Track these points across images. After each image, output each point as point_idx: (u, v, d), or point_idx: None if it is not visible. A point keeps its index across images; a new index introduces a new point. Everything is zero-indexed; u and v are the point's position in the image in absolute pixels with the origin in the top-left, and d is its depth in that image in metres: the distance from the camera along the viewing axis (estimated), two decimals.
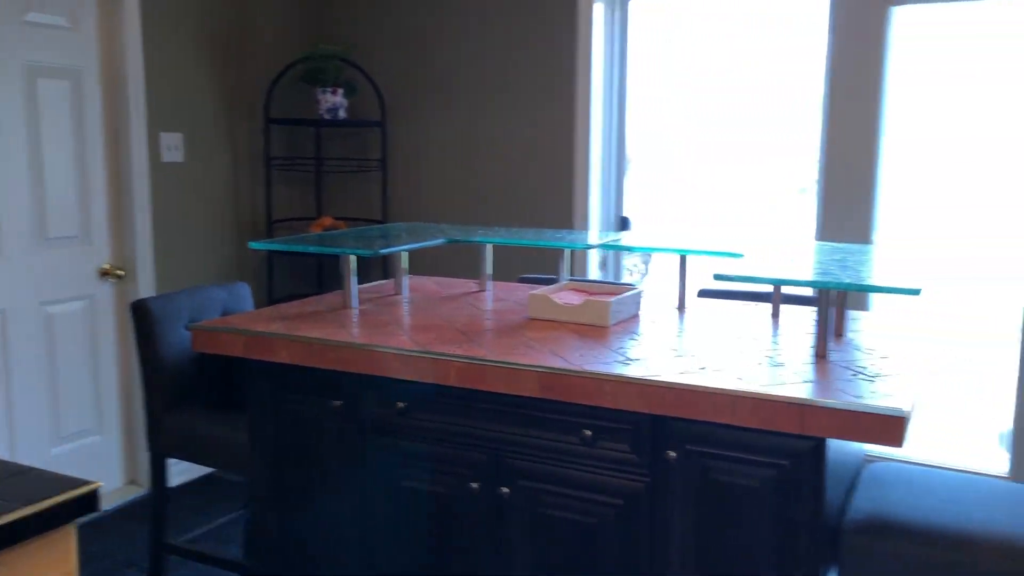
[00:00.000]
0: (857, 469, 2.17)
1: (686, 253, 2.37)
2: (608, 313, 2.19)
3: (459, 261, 4.07)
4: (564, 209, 3.87)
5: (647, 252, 3.62)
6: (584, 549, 1.89)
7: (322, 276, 4.32)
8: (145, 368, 2.55)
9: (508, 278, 3.56)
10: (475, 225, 4.05)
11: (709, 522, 1.76)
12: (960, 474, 2.08)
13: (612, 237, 2.66)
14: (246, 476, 2.81)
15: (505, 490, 1.94)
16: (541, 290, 2.34)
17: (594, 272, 3.97)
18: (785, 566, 1.71)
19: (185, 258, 3.77)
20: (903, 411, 1.55)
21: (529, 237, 2.59)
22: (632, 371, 1.79)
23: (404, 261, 2.71)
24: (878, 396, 1.62)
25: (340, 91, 3.93)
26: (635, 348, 1.98)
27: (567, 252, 2.66)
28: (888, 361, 1.88)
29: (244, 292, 2.84)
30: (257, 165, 4.08)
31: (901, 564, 1.76)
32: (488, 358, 1.89)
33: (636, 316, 2.34)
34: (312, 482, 2.19)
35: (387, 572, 2.13)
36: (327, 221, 4.04)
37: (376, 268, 4.25)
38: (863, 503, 1.91)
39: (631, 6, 3.84)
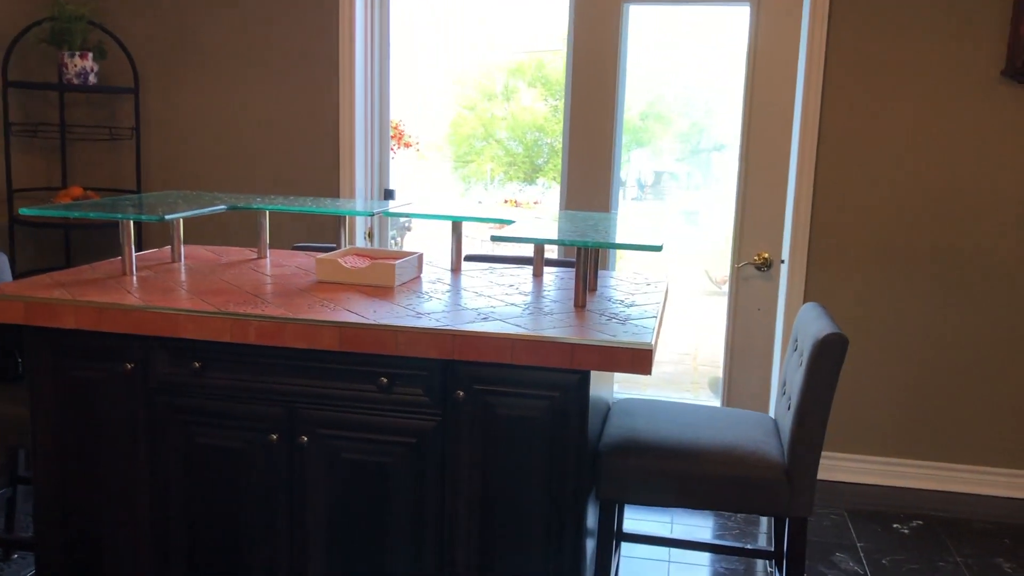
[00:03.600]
0: (608, 407, 2.53)
1: (463, 220, 2.61)
2: (394, 274, 2.38)
3: (225, 230, 4.04)
4: (330, 181, 3.97)
5: (416, 218, 3.82)
6: (380, 486, 2.07)
7: (70, 250, 4.10)
8: None
9: (279, 247, 3.62)
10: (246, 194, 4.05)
11: (492, 450, 2.02)
12: (688, 403, 2.51)
13: (390, 206, 2.84)
14: (13, 447, 2.70)
15: (304, 439, 2.08)
16: (328, 255, 2.47)
17: (361, 242, 4.11)
18: (557, 483, 2.01)
19: None
20: (650, 344, 1.88)
21: (309, 205, 2.70)
22: (423, 323, 1.99)
23: (180, 229, 2.71)
24: (629, 335, 1.95)
25: (90, 55, 3.75)
26: (422, 304, 2.19)
27: (346, 220, 2.80)
28: (633, 308, 2.24)
29: (2, 263, 2.70)
30: None
31: (648, 476, 2.12)
32: (287, 316, 2.01)
33: (418, 278, 2.55)
34: (103, 448, 2.19)
35: (182, 531, 2.19)
36: (76, 191, 3.85)
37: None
38: (614, 430, 2.26)
39: None
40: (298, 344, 2.01)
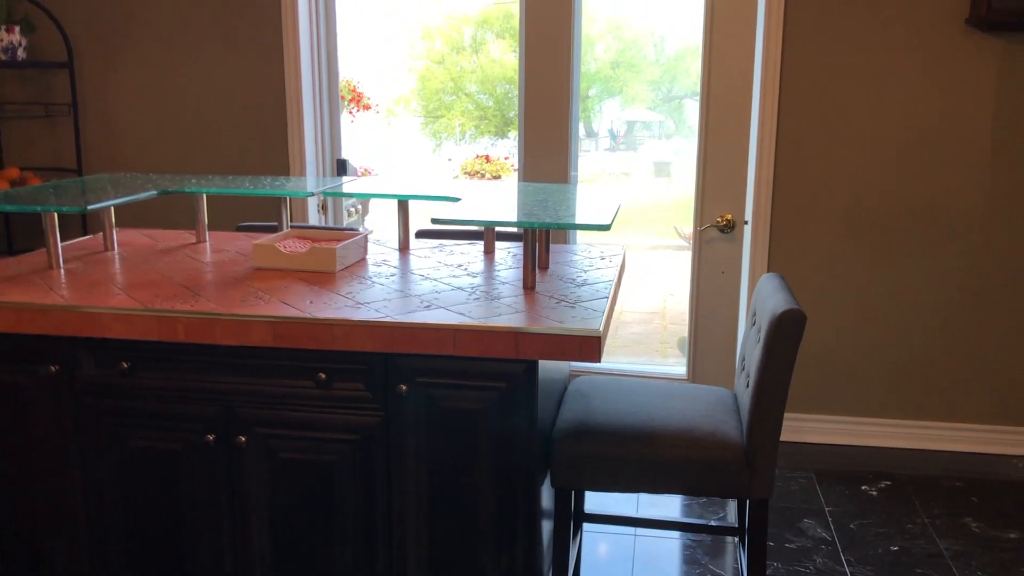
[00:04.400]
0: (564, 384, 2.45)
1: (406, 198, 2.49)
2: (335, 259, 2.26)
3: (171, 212, 3.89)
4: (280, 154, 3.83)
5: (359, 197, 3.70)
6: (323, 485, 1.99)
7: (11, 234, 3.94)
8: None
9: (226, 227, 3.48)
10: (186, 174, 3.89)
11: (439, 445, 1.93)
12: (646, 380, 2.43)
13: (332, 184, 2.72)
14: None
15: (242, 439, 1.98)
16: (265, 239, 2.35)
17: (314, 216, 3.98)
18: (507, 476, 1.93)
19: None
20: (598, 332, 1.79)
21: (246, 186, 2.57)
22: (362, 314, 1.89)
23: (112, 215, 2.58)
24: (578, 320, 1.86)
25: (16, 29, 3.56)
26: (363, 292, 2.08)
27: (288, 199, 2.68)
28: (585, 288, 2.14)
29: None
30: None
31: (602, 462, 2.05)
32: (217, 312, 1.90)
33: (363, 260, 2.43)
34: (32, 455, 2.08)
35: (121, 538, 2.10)
36: (13, 172, 3.68)
37: (75, 223, 3.95)
38: (568, 413, 2.18)
39: None
40: (229, 341, 1.90)
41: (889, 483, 3.32)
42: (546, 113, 3.67)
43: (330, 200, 4.05)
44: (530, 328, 1.81)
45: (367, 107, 6.90)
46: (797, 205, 3.47)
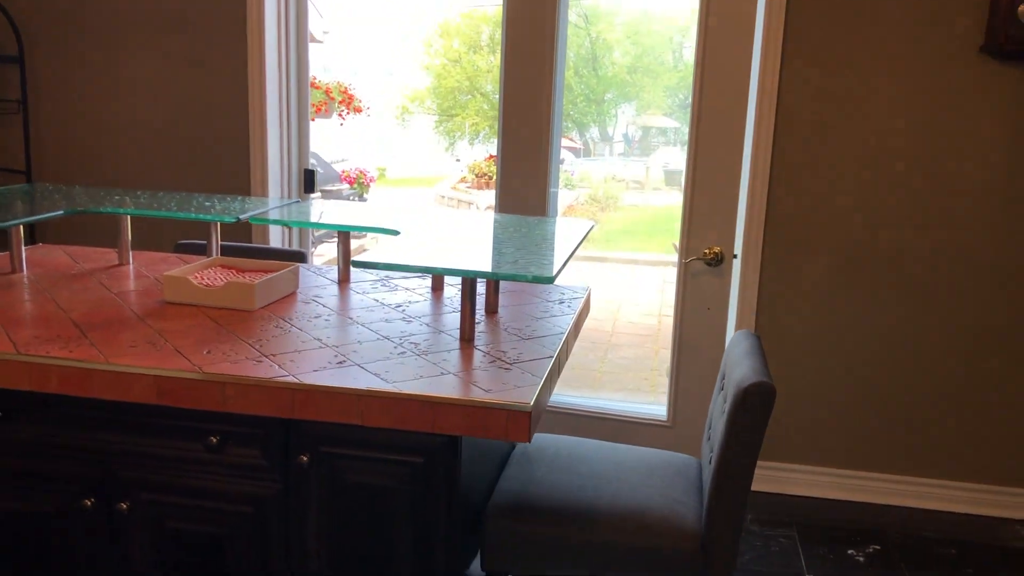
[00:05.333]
0: (510, 445, 2.18)
1: (343, 229, 2.24)
2: (253, 297, 2.01)
3: (105, 223, 3.65)
4: (242, 162, 3.58)
5: (295, 226, 3.45)
6: (215, 560, 1.74)
7: None
8: None
9: (163, 244, 3.22)
10: (143, 176, 3.65)
11: (345, 524, 1.68)
12: (604, 444, 2.16)
13: (261, 210, 2.47)
14: None
15: (123, 505, 1.73)
16: (179, 269, 2.10)
17: (276, 231, 3.73)
18: (422, 559, 1.67)
19: None
20: (528, 406, 1.53)
21: (171, 206, 2.33)
22: (261, 371, 1.64)
23: (21, 233, 2.34)
24: (509, 388, 1.60)
25: None
26: (275, 339, 1.83)
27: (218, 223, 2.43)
28: (531, 343, 1.88)
29: None
30: None
31: (537, 545, 1.79)
32: (96, 361, 1.65)
33: (293, 294, 2.18)
34: None
35: None
36: None
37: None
38: (507, 483, 1.92)
39: None
40: (108, 396, 1.65)
41: (878, 547, 3.05)
42: (525, 128, 3.41)
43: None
44: (449, 399, 1.55)
45: (358, 110, 6.65)
46: (791, 240, 3.20)
